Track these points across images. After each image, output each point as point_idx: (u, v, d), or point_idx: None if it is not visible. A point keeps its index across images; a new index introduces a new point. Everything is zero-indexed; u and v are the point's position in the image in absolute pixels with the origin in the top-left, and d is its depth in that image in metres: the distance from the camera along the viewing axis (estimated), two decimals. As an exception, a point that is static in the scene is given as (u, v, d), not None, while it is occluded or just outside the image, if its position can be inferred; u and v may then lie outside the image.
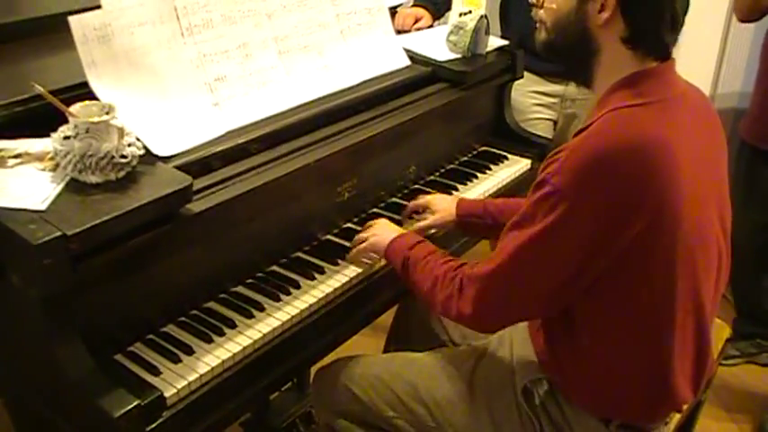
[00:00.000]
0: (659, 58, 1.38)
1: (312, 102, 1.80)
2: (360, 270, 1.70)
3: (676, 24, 1.36)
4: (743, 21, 2.71)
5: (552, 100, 2.67)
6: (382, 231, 1.70)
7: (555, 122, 2.72)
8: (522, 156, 2.25)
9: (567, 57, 1.47)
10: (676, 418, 1.63)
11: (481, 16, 2.11)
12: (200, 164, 1.53)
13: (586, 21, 1.37)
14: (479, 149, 2.30)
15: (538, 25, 1.47)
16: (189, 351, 1.42)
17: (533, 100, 2.66)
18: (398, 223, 1.84)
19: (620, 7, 1.33)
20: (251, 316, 1.53)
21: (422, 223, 1.86)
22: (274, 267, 1.68)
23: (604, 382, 1.45)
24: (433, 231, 1.87)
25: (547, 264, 1.33)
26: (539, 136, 2.41)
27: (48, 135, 1.39)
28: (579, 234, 1.28)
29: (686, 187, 1.30)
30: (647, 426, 1.52)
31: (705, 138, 1.42)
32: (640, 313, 1.37)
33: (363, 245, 1.70)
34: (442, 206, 1.87)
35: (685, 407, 1.55)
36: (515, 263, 1.35)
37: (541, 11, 1.45)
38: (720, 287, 1.50)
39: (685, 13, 1.37)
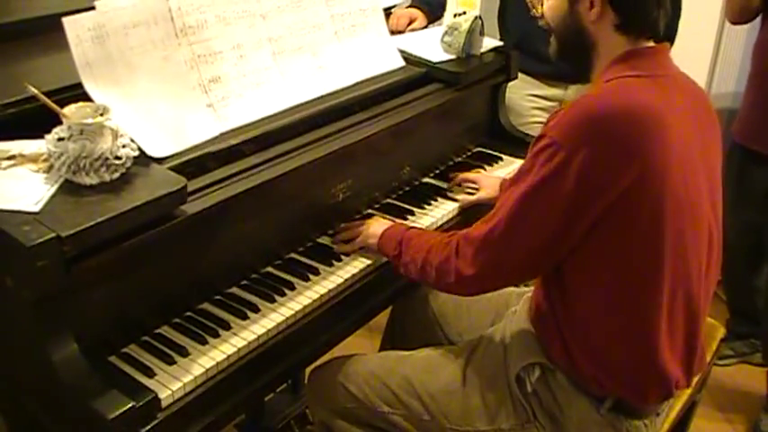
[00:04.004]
0: (652, 36, 1.48)
1: (306, 103, 1.80)
2: (355, 271, 1.69)
3: (663, 4, 1.46)
4: (734, 23, 2.72)
5: (551, 104, 2.66)
6: (373, 225, 1.75)
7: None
8: (516, 156, 2.25)
9: (575, 59, 1.57)
10: (671, 416, 1.63)
11: (475, 17, 2.11)
12: (195, 165, 1.53)
13: (581, 20, 1.49)
14: (474, 150, 2.30)
15: (551, 39, 1.58)
16: (183, 353, 1.42)
17: (532, 103, 2.66)
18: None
19: (607, 1, 1.44)
20: (245, 317, 1.52)
21: (471, 197, 2.01)
22: (269, 268, 1.68)
23: (599, 354, 1.47)
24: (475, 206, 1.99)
25: (543, 212, 1.39)
26: (533, 137, 2.40)
27: (41, 136, 1.39)
28: (571, 183, 1.35)
29: (675, 154, 1.38)
30: (639, 407, 1.53)
31: (697, 121, 1.48)
32: (628, 280, 1.42)
33: (358, 239, 1.74)
34: (489, 183, 2.00)
35: (679, 401, 1.56)
36: (515, 214, 1.42)
37: (544, 19, 1.58)
38: (712, 273, 1.53)
39: None
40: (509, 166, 2.21)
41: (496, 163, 2.23)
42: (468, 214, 2.00)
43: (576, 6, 1.48)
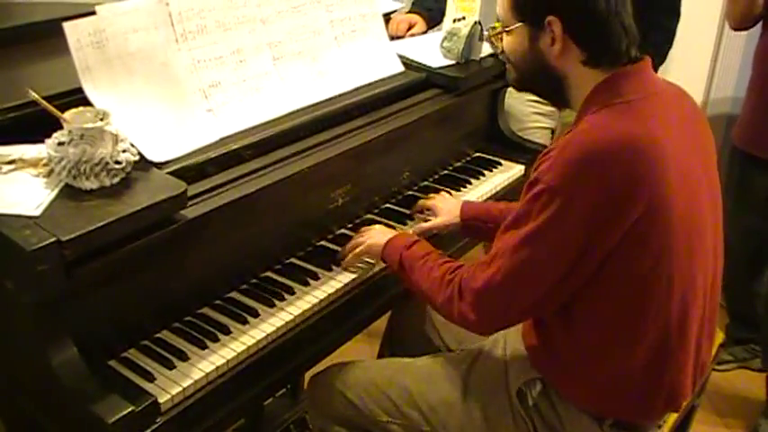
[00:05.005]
0: (626, 63, 1.41)
1: (306, 108, 1.80)
2: (354, 276, 1.69)
3: (629, 31, 1.39)
4: (736, 29, 2.73)
5: (551, 109, 2.66)
6: (377, 234, 1.71)
7: (552, 131, 2.72)
8: (515, 161, 2.26)
9: (538, 88, 1.54)
10: (670, 422, 1.63)
11: (475, 22, 2.11)
12: (195, 170, 1.53)
13: (543, 57, 1.43)
14: (473, 155, 2.30)
15: (507, 66, 1.53)
16: (183, 357, 1.42)
17: (532, 109, 2.66)
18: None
19: (568, 36, 1.38)
20: (245, 322, 1.53)
21: (425, 225, 1.89)
22: (268, 273, 1.68)
23: (602, 378, 1.46)
24: (435, 233, 1.90)
25: (546, 259, 1.34)
26: (532, 142, 2.41)
27: (42, 141, 1.39)
28: (574, 228, 1.30)
29: (675, 179, 1.34)
30: (640, 423, 1.53)
31: (690, 132, 1.45)
32: (640, 305, 1.39)
33: (360, 248, 1.70)
34: (446, 208, 1.90)
35: (684, 404, 1.56)
36: (515, 262, 1.36)
37: (504, 54, 1.52)
38: (716, 283, 1.52)
39: (634, 13, 1.40)
40: (508, 171, 2.22)
41: (495, 168, 2.23)
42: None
43: (537, 43, 1.42)
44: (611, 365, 1.45)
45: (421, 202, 1.97)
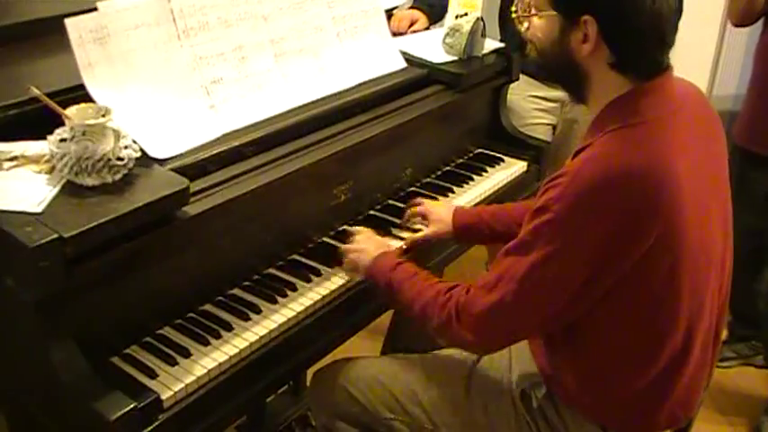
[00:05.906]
0: (652, 76, 1.36)
1: (308, 104, 1.80)
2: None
3: (665, 44, 1.34)
4: (737, 25, 2.72)
5: (553, 104, 2.66)
6: (367, 248, 1.65)
7: (554, 127, 2.72)
8: (517, 158, 2.26)
9: (558, 78, 1.48)
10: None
11: (477, 18, 2.11)
12: (197, 166, 1.53)
13: (570, 51, 1.36)
14: (475, 152, 2.30)
15: (529, 45, 1.47)
16: (185, 354, 1.42)
17: (534, 104, 2.66)
18: (392, 228, 1.87)
19: (603, 37, 1.32)
20: (247, 318, 1.53)
21: (418, 234, 1.85)
22: (270, 270, 1.68)
23: (605, 396, 1.46)
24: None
25: (551, 289, 1.32)
26: (534, 138, 2.41)
27: (44, 138, 1.39)
28: (582, 259, 1.28)
29: (689, 206, 1.30)
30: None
31: (704, 145, 1.41)
32: (647, 326, 1.38)
33: (350, 257, 1.66)
34: (439, 216, 1.86)
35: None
36: (520, 290, 1.33)
37: (529, 33, 1.46)
38: (724, 292, 1.51)
39: (676, 23, 1.35)
40: (510, 168, 2.22)
41: (498, 164, 2.23)
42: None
43: (567, 37, 1.35)
44: (614, 384, 1.44)
45: (410, 211, 1.90)
